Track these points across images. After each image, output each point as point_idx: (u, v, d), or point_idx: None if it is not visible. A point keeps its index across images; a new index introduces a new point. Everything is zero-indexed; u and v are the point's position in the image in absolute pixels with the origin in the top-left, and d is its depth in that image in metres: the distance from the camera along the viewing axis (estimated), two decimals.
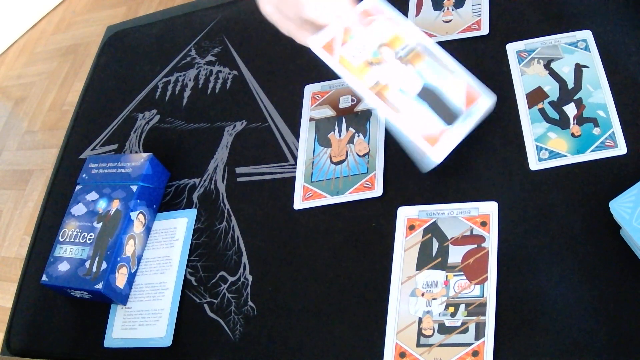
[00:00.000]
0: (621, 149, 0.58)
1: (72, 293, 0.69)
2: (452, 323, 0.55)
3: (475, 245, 0.58)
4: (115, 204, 0.70)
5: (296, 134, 0.72)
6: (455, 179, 0.62)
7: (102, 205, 0.71)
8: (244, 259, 0.66)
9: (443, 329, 0.55)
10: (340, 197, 0.65)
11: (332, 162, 0.68)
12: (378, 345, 0.56)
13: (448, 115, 0.59)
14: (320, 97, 0.74)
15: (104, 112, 0.88)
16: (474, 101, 0.58)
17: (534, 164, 0.60)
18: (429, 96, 0.60)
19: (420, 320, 0.56)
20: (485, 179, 0.61)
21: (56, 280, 0.68)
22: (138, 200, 0.70)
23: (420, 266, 0.58)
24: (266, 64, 0.81)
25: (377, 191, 0.64)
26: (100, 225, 0.69)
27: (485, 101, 0.58)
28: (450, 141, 0.58)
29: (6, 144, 2.38)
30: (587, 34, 0.65)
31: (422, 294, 0.57)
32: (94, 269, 0.66)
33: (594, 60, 0.64)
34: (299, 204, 0.67)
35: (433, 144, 0.58)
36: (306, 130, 0.72)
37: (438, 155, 0.58)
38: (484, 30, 0.70)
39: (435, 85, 0.59)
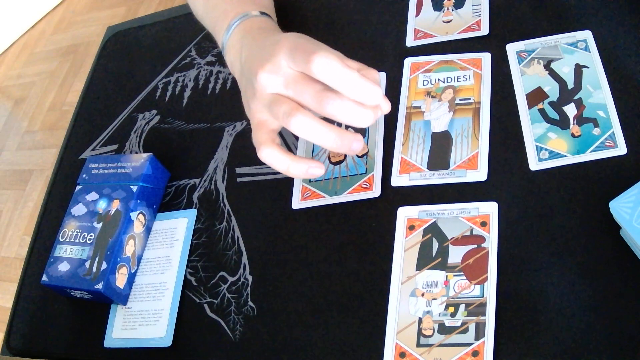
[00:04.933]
0: (621, 149, 0.58)
1: (72, 293, 0.69)
2: (452, 323, 0.55)
3: (475, 246, 0.58)
4: (115, 204, 0.70)
5: None
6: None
7: (102, 205, 0.71)
8: (244, 259, 0.67)
9: (443, 329, 0.55)
10: (339, 197, 0.65)
11: (330, 162, 0.68)
12: (378, 345, 0.56)
13: (438, 162, 0.62)
14: None
15: (104, 112, 0.88)
16: (472, 169, 0.61)
17: (534, 164, 0.60)
18: (439, 139, 0.63)
19: (420, 320, 0.56)
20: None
21: (56, 280, 0.68)
22: (138, 201, 0.70)
23: (420, 266, 0.58)
24: None
25: (375, 192, 0.64)
26: (100, 225, 0.69)
27: (478, 175, 0.61)
28: (415, 180, 0.63)
29: (6, 144, 2.38)
30: (587, 34, 0.65)
31: (422, 294, 0.57)
32: (94, 269, 0.66)
33: (594, 61, 0.64)
34: (297, 203, 0.67)
35: (403, 172, 0.63)
36: None
37: (396, 181, 0.63)
38: (484, 30, 0.70)
39: (452, 136, 0.63)
